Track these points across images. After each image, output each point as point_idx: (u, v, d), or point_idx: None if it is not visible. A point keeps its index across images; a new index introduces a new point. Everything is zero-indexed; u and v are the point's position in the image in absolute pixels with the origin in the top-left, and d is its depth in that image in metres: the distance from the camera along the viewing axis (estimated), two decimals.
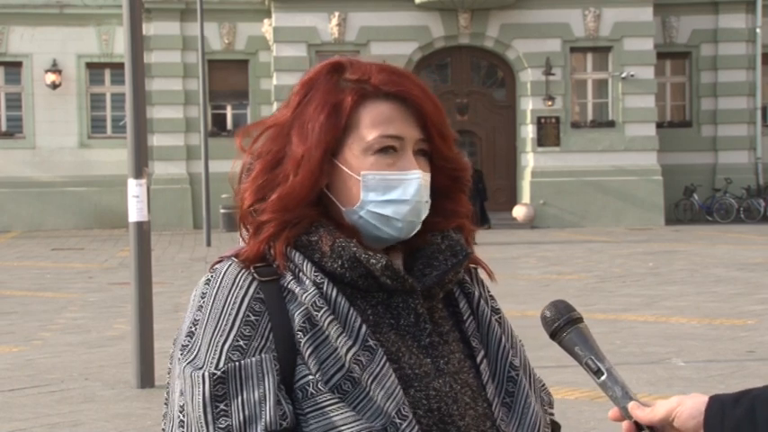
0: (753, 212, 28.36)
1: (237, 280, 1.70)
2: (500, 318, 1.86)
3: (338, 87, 1.75)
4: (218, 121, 28.86)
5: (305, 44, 27.11)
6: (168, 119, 27.94)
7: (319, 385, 1.64)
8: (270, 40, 27.73)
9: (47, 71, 28.25)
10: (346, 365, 1.65)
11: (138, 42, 9.21)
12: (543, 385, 1.92)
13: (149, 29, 27.03)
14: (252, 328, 1.67)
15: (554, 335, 1.75)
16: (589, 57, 28.25)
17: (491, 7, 27.32)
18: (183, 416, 1.68)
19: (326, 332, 1.67)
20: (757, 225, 27.12)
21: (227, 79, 28.54)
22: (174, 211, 27.59)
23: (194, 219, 27.41)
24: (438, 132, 1.77)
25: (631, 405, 1.70)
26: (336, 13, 27.13)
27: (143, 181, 9.08)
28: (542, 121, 27.64)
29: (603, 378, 1.72)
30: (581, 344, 1.73)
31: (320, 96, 1.75)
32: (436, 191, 1.79)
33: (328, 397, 1.64)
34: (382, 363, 1.67)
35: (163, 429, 1.75)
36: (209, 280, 1.73)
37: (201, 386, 1.64)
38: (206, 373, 1.65)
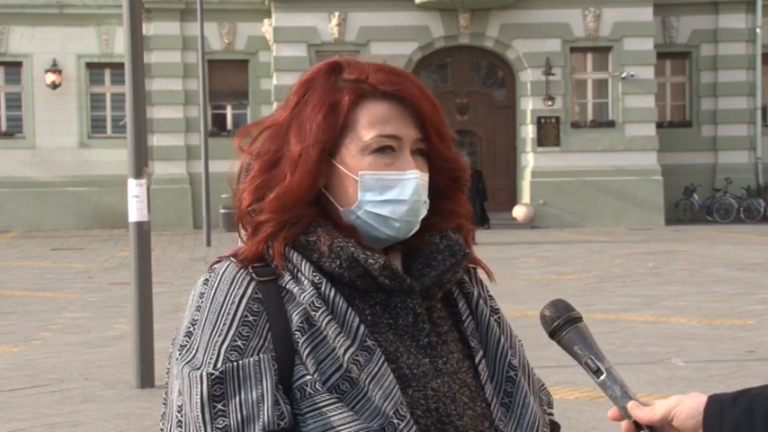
0: (753, 212, 28.37)
1: (235, 280, 1.70)
2: (499, 318, 1.86)
3: (336, 87, 1.75)
4: (218, 121, 28.87)
5: (305, 44, 27.11)
6: (168, 119, 27.94)
7: (317, 385, 1.64)
8: (270, 40, 27.73)
9: (47, 71, 28.26)
10: (344, 365, 1.65)
11: (138, 42, 9.21)
12: (542, 385, 1.92)
13: (149, 29, 27.03)
14: (250, 328, 1.66)
15: (553, 334, 1.75)
16: (589, 57, 28.25)
17: (491, 7, 27.31)
18: (182, 416, 1.67)
19: (325, 332, 1.66)
20: (757, 225, 27.12)
21: (227, 79, 28.55)
22: (173, 211, 27.59)
23: (194, 219, 27.42)
24: (436, 132, 1.76)
25: (631, 404, 1.70)
26: (336, 13, 27.12)
27: (143, 181, 9.08)
28: (542, 121, 27.64)
29: (603, 377, 1.72)
30: (580, 343, 1.73)
31: (318, 96, 1.74)
32: (435, 191, 1.78)
33: (326, 397, 1.64)
34: (380, 363, 1.66)
35: (161, 429, 1.75)
36: (207, 280, 1.73)
37: (199, 386, 1.64)
38: (204, 373, 1.64)
